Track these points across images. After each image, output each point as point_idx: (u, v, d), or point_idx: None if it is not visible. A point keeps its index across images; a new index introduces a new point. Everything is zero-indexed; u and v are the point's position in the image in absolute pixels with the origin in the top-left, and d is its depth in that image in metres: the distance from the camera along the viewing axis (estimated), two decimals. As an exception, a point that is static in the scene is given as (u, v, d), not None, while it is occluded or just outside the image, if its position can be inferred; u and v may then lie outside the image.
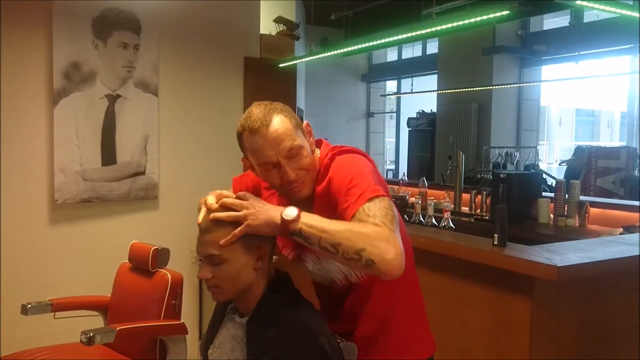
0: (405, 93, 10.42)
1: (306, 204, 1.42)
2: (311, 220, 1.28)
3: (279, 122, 1.42)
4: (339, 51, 4.44)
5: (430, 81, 9.81)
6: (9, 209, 3.22)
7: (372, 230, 1.24)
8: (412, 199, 3.83)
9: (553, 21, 8.42)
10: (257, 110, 1.46)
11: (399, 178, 5.43)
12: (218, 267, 1.34)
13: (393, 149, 11.71)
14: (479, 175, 6.51)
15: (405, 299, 1.58)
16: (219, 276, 1.35)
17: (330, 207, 1.39)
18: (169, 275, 2.79)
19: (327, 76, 9.85)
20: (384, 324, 1.55)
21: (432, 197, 3.83)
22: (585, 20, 7.20)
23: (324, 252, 1.27)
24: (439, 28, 3.30)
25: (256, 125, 1.41)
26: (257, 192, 1.58)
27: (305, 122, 1.51)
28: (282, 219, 1.28)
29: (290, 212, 1.29)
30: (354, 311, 1.55)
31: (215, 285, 1.36)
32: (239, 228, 1.31)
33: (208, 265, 1.35)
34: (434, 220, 3.43)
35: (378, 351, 1.54)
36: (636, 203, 4.23)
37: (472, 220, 4.35)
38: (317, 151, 1.53)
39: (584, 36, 7.08)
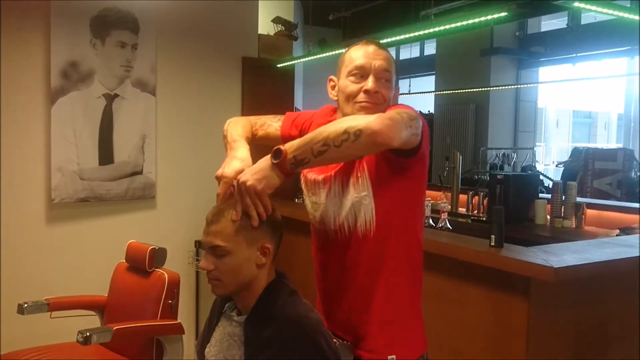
0: (403, 94, 10.42)
1: None
2: (296, 144, 1.32)
3: (388, 54, 1.55)
4: (337, 51, 4.44)
5: (428, 82, 9.82)
6: (6, 208, 3.21)
7: (358, 116, 1.37)
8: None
9: (550, 23, 8.44)
10: (370, 39, 1.59)
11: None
12: (221, 259, 1.34)
13: (390, 150, 11.68)
14: (476, 177, 6.53)
15: (407, 292, 1.56)
16: (221, 268, 1.35)
17: None
18: (166, 275, 2.79)
19: (325, 76, 9.79)
20: (384, 316, 1.53)
21: (430, 198, 3.84)
22: (583, 22, 7.21)
23: (320, 157, 1.30)
24: (437, 29, 3.30)
25: (373, 41, 1.55)
26: (302, 133, 1.66)
27: (397, 87, 1.59)
28: (274, 163, 1.32)
29: (276, 152, 1.32)
30: (353, 305, 1.54)
31: (216, 278, 1.36)
32: (236, 191, 1.34)
33: (212, 256, 1.36)
34: (431, 221, 3.43)
35: (373, 343, 1.53)
36: (633, 205, 4.25)
37: (469, 221, 4.36)
38: None
39: (581, 38, 7.09)
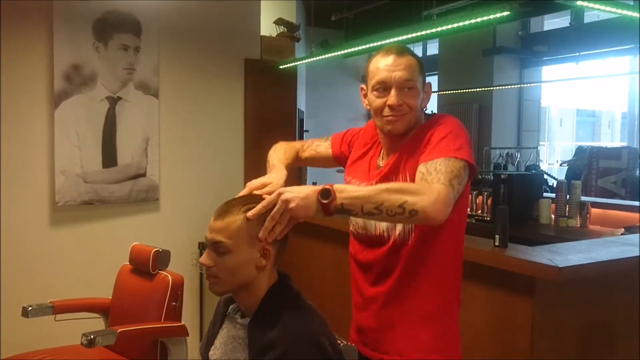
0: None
1: (394, 148, 1.58)
2: (348, 193, 1.34)
3: (409, 60, 1.54)
4: (339, 52, 4.44)
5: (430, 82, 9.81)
6: (10, 211, 3.22)
7: (419, 186, 1.36)
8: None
9: (553, 22, 8.42)
10: (397, 45, 1.61)
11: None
12: (222, 256, 1.34)
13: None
14: (480, 176, 6.50)
15: (443, 298, 1.61)
16: (220, 266, 1.34)
17: (413, 152, 1.51)
18: (170, 277, 2.79)
19: (327, 77, 9.84)
20: (423, 318, 1.57)
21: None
22: (586, 20, 7.20)
23: (368, 216, 1.34)
24: (439, 29, 3.30)
25: (393, 49, 1.55)
26: (349, 147, 1.74)
27: (428, 84, 1.60)
28: (320, 202, 1.32)
29: (325, 192, 1.32)
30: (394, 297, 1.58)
31: (214, 275, 1.36)
32: (276, 207, 1.30)
33: (213, 252, 1.35)
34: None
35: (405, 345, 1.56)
36: (637, 203, 4.23)
37: (474, 221, 4.35)
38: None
39: (584, 37, 7.08)
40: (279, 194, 1.31)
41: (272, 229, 1.32)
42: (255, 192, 1.41)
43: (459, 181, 1.40)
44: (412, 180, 1.48)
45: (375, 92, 1.55)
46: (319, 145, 1.83)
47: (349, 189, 1.36)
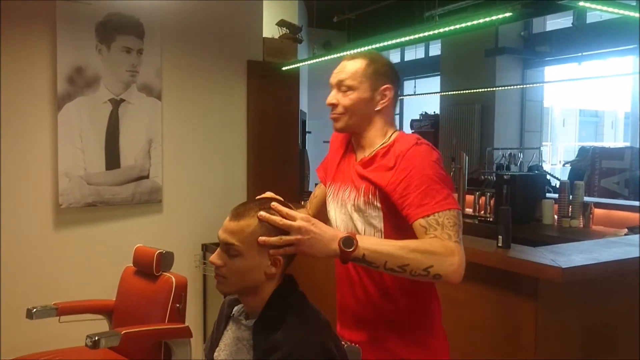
0: (408, 95, 10.41)
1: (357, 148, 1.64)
2: (372, 245, 1.36)
3: (355, 62, 1.61)
4: (341, 54, 4.43)
5: (433, 83, 9.81)
6: (14, 213, 3.23)
7: (439, 246, 1.36)
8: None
9: (556, 22, 8.41)
10: (360, 50, 1.74)
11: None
12: (232, 258, 1.34)
13: (396, 151, 11.65)
14: (483, 177, 6.50)
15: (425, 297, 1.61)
16: (229, 267, 1.35)
17: (386, 169, 1.52)
18: (173, 279, 2.79)
19: (329, 79, 9.85)
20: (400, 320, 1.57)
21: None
22: (588, 20, 7.19)
23: (389, 272, 1.37)
24: (441, 30, 3.30)
25: (347, 56, 1.65)
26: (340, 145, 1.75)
27: (387, 86, 1.60)
28: (342, 250, 1.34)
29: (348, 241, 1.34)
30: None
31: (223, 275, 1.36)
32: (288, 248, 1.33)
33: (224, 253, 1.36)
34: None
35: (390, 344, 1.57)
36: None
37: (476, 222, 4.34)
38: (394, 134, 1.61)
39: (586, 37, 7.06)
40: (303, 220, 1.33)
41: (273, 240, 1.33)
42: (275, 219, 1.35)
43: (461, 231, 1.44)
44: (366, 194, 1.53)
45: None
46: (314, 193, 1.88)
47: (371, 240, 1.40)
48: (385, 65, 1.61)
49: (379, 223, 1.54)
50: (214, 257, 1.37)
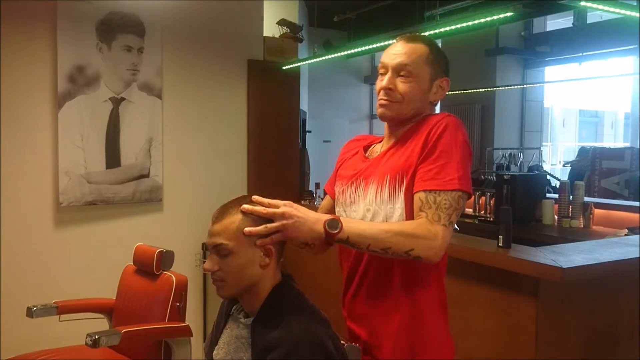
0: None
1: (391, 138, 1.56)
2: (357, 228, 1.36)
3: (417, 47, 1.51)
4: (342, 53, 4.43)
5: (433, 82, 9.79)
6: (14, 212, 3.23)
7: (423, 230, 1.37)
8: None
9: (556, 22, 8.41)
10: (412, 34, 1.58)
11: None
12: (225, 259, 1.34)
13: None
14: (483, 177, 6.51)
15: (430, 292, 1.55)
16: (224, 269, 1.35)
17: (407, 148, 1.47)
18: (174, 278, 2.80)
19: (330, 78, 9.84)
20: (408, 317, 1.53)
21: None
22: (589, 21, 7.18)
23: (371, 253, 1.38)
24: (442, 30, 3.30)
25: (407, 37, 1.54)
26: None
27: (445, 78, 1.54)
28: (327, 231, 1.34)
29: (333, 222, 1.34)
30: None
31: (220, 279, 1.36)
32: (275, 235, 1.33)
33: (215, 256, 1.36)
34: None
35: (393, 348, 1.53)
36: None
37: (477, 222, 4.35)
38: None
39: (587, 37, 7.06)
40: (285, 206, 1.33)
41: (264, 235, 1.33)
42: (255, 208, 1.35)
43: (458, 213, 1.42)
44: (392, 181, 1.47)
45: (379, 76, 1.55)
46: (321, 204, 1.81)
47: (356, 223, 1.40)
48: (444, 56, 1.54)
49: (400, 215, 1.48)
50: (207, 265, 1.37)
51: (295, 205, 1.36)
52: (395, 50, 1.51)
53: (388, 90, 1.50)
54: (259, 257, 1.36)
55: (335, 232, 1.34)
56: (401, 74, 1.49)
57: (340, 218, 1.37)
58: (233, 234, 1.33)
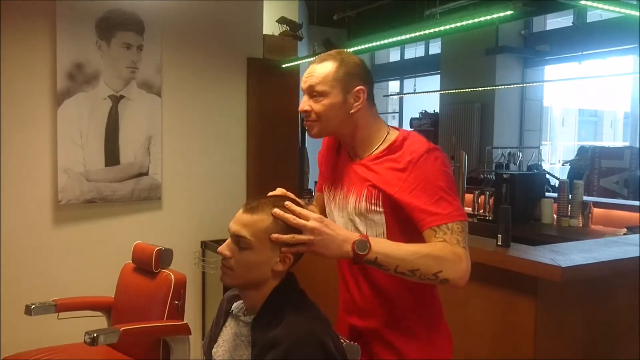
0: (408, 93, 10.41)
1: (356, 150, 1.59)
2: (384, 249, 1.37)
3: (325, 65, 1.54)
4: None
5: (433, 81, 9.81)
6: (13, 210, 3.22)
7: (448, 252, 1.39)
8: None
9: (556, 21, 8.40)
10: (329, 52, 1.60)
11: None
12: (242, 251, 1.34)
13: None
14: (482, 176, 6.50)
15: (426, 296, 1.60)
16: (237, 259, 1.34)
17: (395, 170, 1.49)
18: (172, 276, 2.79)
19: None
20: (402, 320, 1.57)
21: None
22: (589, 20, 7.19)
23: (399, 275, 1.38)
24: (441, 28, 3.29)
25: (316, 58, 1.58)
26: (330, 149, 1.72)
27: (360, 87, 1.54)
28: (355, 252, 1.34)
29: (362, 244, 1.34)
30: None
31: (230, 267, 1.36)
32: (301, 248, 1.34)
33: (234, 245, 1.35)
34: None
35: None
36: (639, 203, 4.23)
37: (476, 221, 4.35)
38: (390, 130, 1.59)
39: (587, 36, 7.07)
40: (316, 221, 1.33)
41: (290, 245, 1.34)
42: (289, 217, 1.34)
43: (467, 237, 1.47)
44: (368, 193, 1.51)
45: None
46: (315, 200, 1.83)
47: (384, 243, 1.40)
48: (356, 66, 1.55)
49: (381, 227, 1.52)
50: (222, 248, 1.36)
51: (326, 221, 1.36)
52: (307, 73, 1.56)
53: (305, 112, 1.55)
54: (274, 262, 1.36)
55: (364, 253, 1.34)
56: (313, 94, 1.53)
57: (369, 238, 1.37)
58: (259, 232, 1.33)
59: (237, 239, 1.34)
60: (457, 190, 1.51)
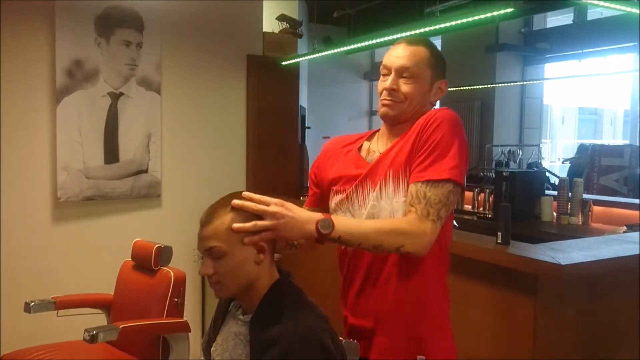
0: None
1: (390, 138, 1.59)
2: (348, 227, 1.39)
3: (418, 50, 1.55)
4: (341, 49, 4.43)
5: (433, 79, 9.78)
6: (12, 207, 3.22)
7: (414, 226, 1.40)
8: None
9: (556, 19, 8.40)
10: (419, 37, 1.63)
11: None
12: (219, 261, 1.33)
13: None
14: (482, 174, 6.51)
15: (434, 294, 1.57)
16: (220, 271, 1.34)
17: (407, 141, 1.51)
18: (172, 273, 2.79)
19: (329, 74, 9.83)
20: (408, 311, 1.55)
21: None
22: (589, 18, 7.16)
23: (361, 249, 1.43)
24: (442, 26, 3.29)
25: (407, 40, 1.58)
26: (331, 154, 1.70)
27: (443, 81, 1.59)
28: (319, 231, 1.35)
29: (325, 223, 1.35)
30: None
31: (218, 282, 1.35)
32: (265, 234, 1.32)
33: (209, 259, 1.35)
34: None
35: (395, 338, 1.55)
36: (639, 201, 4.23)
37: (475, 219, 4.35)
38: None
39: (587, 34, 7.06)
40: (277, 205, 1.33)
41: (252, 233, 1.31)
42: (246, 203, 1.34)
43: (447, 208, 1.44)
44: (395, 176, 1.50)
45: (381, 77, 1.59)
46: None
47: (347, 222, 1.43)
48: (443, 59, 1.59)
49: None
50: (201, 269, 1.36)
51: (287, 204, 1.35)
52: (398, 53, 1.56)
53: (392, 91, 1.55)
54: (253, 254, 1.35)
55: (328, 232, 1.35)
56: (404, 75, 1.54)
57: (332, 217, 1.38)
58: (224, 235, 1.32)
59: (209, 252, 1.34)
60: (464, 152, 1.47)
